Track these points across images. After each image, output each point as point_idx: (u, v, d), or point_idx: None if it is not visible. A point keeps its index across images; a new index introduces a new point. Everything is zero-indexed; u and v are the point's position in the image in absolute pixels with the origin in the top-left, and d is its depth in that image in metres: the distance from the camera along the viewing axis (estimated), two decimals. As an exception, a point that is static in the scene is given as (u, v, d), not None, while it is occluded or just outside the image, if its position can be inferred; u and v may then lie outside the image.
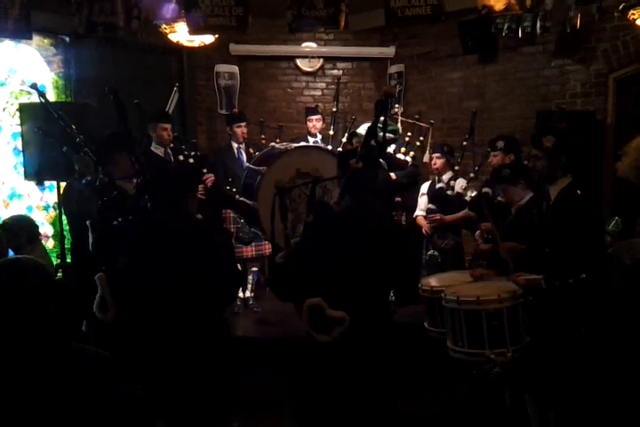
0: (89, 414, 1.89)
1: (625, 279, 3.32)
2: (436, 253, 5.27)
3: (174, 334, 3.11)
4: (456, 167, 5.39)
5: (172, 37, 5.31)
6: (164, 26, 5.21)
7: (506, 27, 5.48)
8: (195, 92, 6.93)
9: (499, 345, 3.11)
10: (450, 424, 4.07)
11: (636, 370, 2.99)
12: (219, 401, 3.19)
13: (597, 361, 3.09)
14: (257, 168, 5.10)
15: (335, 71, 7.39)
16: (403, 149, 5.67)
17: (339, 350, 2.73)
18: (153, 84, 6.14)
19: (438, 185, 5.37)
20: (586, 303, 3.08)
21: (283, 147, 5.37)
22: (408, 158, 5.66)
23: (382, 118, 3.00)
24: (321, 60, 7.32)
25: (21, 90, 5.48)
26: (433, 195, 5.40)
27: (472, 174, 5.31)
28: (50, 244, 5.63)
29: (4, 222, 4.50)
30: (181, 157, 5.31)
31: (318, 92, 7.43)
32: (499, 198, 4.24)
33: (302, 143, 5.75)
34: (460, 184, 5.28)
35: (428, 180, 5.71)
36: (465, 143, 5.47)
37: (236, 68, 7.09)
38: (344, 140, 6.03)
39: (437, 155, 5.40)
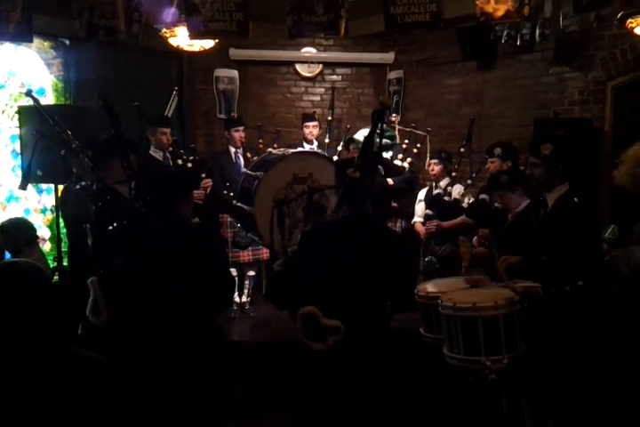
0: (86, 416, 1.89)
1: (622, 286, 3.32)
2: (433, 259, 5.28)
3: (167, 339, 3.10)
4: (453, 173, 5.40)
5: (173, 41, 5.32)
6: (164, 30, 5.21)
7: (505, 34, 5.50)
8: (194, 97, 6.94)
9: (495, 352, 3.10)
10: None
11: (634, 377, 2.99)
12: (211, 406, 3.18)
13: (595, 368, 3.08)
14: (254, 173, 5.11)
15: (334, 77, 7.41)
16: (400, 156, 5.69)
17: (334, 357, 2.73)
18: (152, 88, 6.15)
19: (436, 191, 5.37)
20: (583, 310, 3.08)
21: (280, 152, 5.38)
22: (405, 164, 5.68)
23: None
24: (320, 65, 7.33)
25: (21, 92, 5.48)
26: (430, 201, 5.41)
27: (469, 181, 5.32)
28: (47, 247, 5.62)
29: (2, 225, 4.49)
30: (180, 162, 5.31)
31: (317, 98, 7.44)
32: (496, 205, 4.25)
33: (299, 149, 5.76)
34: (457, 190, 5.29)
35: (425, 186, 5.72)
36: (462, 150, 5.49)
37: (235, 73, 7.11)
38: (340, 148, 6.04)
39: (435, 161, 5.41)
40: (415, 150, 5.82)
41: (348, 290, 2.76)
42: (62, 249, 4.58)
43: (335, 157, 5.81)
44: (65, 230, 4.33)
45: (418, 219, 5.54)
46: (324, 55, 7.30)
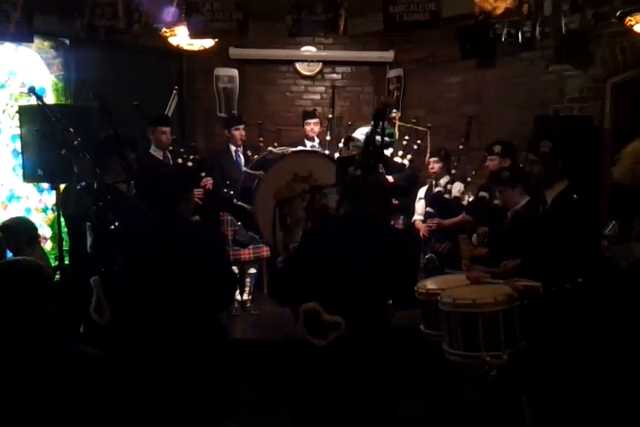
0: (88, 414, 1.90)
1: (622, 282, 3.33)
2: (433, 256, 5.29)
3: (169, 338, 3.11)
4: (453, 171, 5.41)
5: (173, 41, 5.32)
6: (164, 29, 5.22)
7: (505, 32, 5.50)
8: (194, 96, 6.96)
9: (494, 348, 3.12)
10: (446, 428, 4.08)
11: (634, 374, 3.00)
12: (213, 405, 3.19)
13: (595, 365, 3.09)
14: (254, 172, 5.12)
15: (334, 75, 7.42)
16: (400, 153, 5.70)
17: (336, 354, 2.74)
18: (152, 87, 6.16)
19: (436, 189, 5.39)
20: (583, 307, 3.09)
21: (280, 151, 5.39)
22: (405, 162, 5.68)
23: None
24: (320, 64, 7.34)
25: (21, 92, 5.49)
26: (431, 199, 5.42)
27: (469, 179, 5.33)
28: (48, 246, 5.63)
29: (4, 224, 4.50)
30: (180, 161, 5.32)
31: (317, 96, 7.45)
32: (495, 202, 4.26)
33: (300, 148, 5.77)
34: (457, 188, 5.31)
35: (425, 184, 5.73)
36: (461, 147, 5.50)
37: (235, 72, 7.12)
38: (341, 145, 6.06)
39: (435, 159, 5.42)
40: (415, 147, 5.83)
41: (349, 287, 2.77)
42: (63, 248, 4.59)
43: (337, 154, 5.82)
44: (66, 230, 4.35)
45: (418, 217, 5.56)
46: (324, 54, 7.31)
